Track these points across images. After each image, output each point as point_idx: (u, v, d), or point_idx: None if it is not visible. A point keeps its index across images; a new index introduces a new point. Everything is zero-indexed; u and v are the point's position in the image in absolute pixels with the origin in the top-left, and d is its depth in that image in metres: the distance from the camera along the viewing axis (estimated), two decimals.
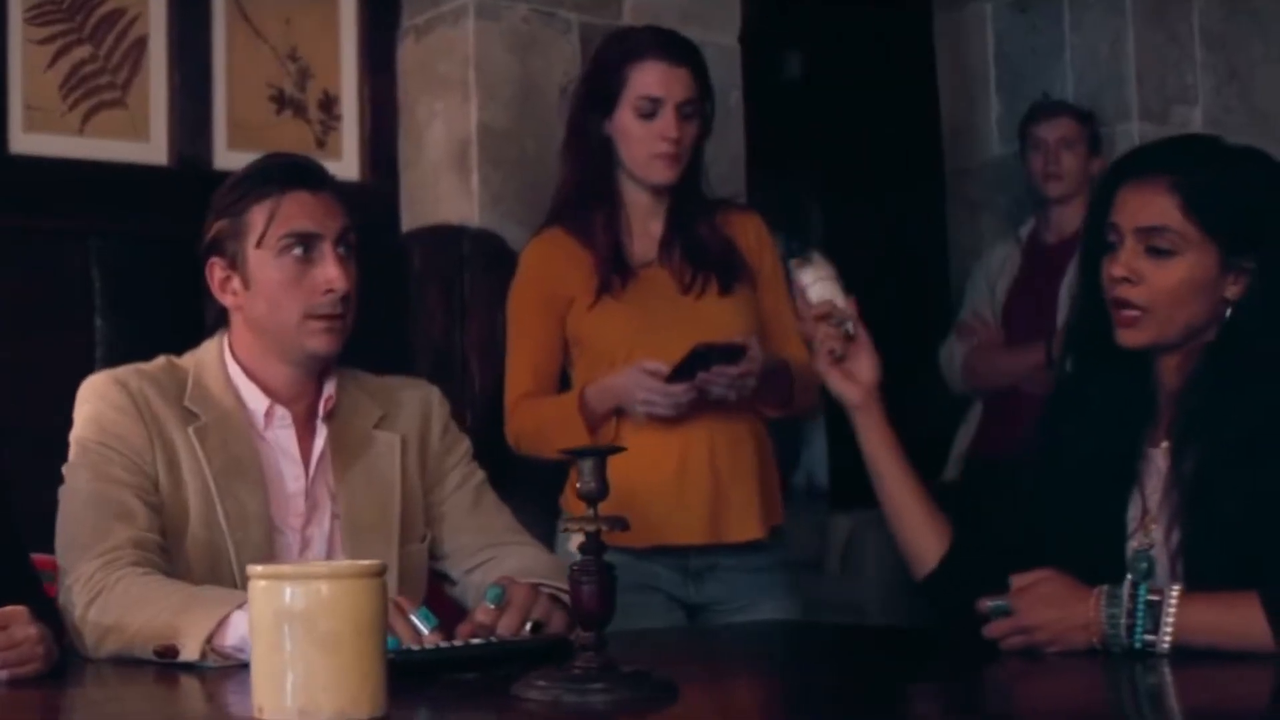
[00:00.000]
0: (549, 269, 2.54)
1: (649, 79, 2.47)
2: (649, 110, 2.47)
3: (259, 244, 1.94)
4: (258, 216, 1.94)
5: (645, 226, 2.56)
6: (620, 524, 1.46)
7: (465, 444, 2.12)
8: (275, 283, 1.94)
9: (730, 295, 2.52)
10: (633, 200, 2.56)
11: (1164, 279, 1.75)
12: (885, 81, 4.95)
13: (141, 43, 2.73)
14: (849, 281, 1.97)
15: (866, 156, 5.45)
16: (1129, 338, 1.78)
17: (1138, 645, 1.65)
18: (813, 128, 5.53)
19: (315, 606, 1.28)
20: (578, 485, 1.47)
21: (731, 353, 2.37)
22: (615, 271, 2.50)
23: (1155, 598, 1.65)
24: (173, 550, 1.89)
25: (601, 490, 1.46)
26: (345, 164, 2.87)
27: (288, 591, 1.28)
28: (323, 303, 1.94)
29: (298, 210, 1.94)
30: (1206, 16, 3.72)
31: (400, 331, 2.82)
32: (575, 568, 1.46)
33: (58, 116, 2.65)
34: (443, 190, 2.87)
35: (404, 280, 2.84)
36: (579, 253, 2.52)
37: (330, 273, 1.93)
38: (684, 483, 2.45)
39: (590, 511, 1.46)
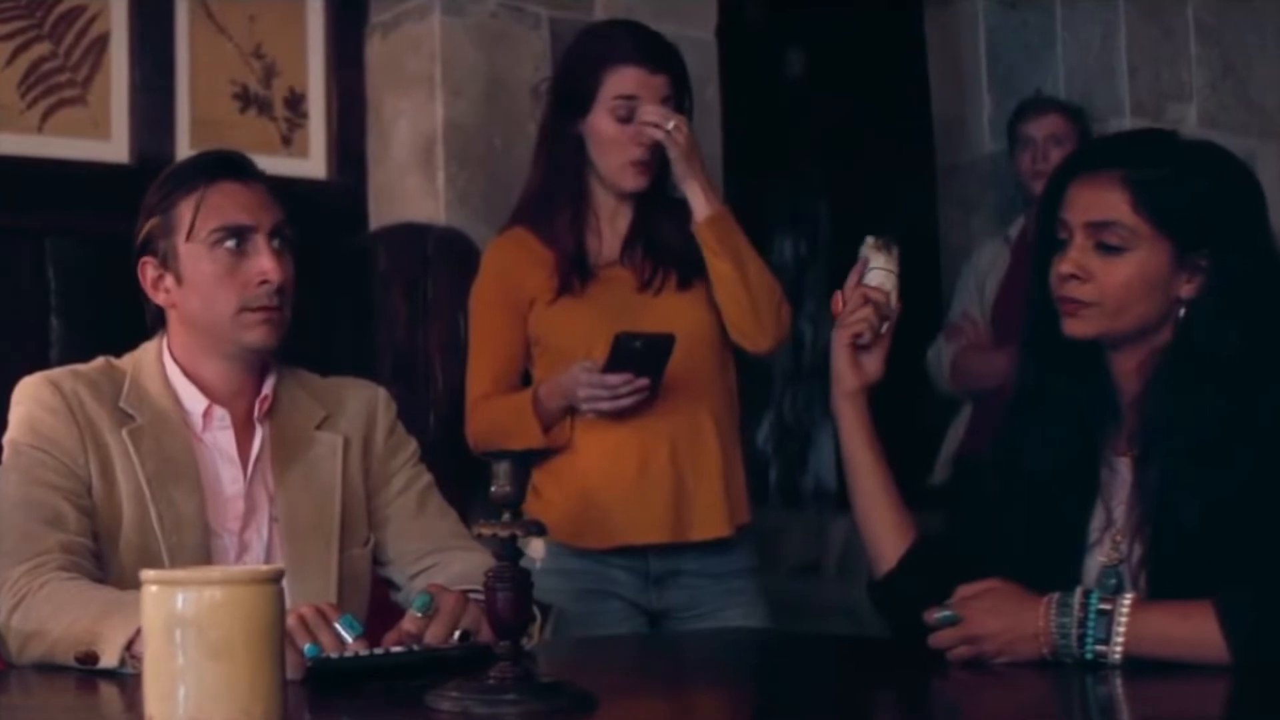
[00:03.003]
0: (511, 268, 2.50)
1: (626, 83, 2.43)
2: (625, 114, 2.43)
3: (189, 237, 1.91)
4: (185, 209, 1.91)
5: (611, 225, 2.53)
6: (537, 529, 1.43)
7: (412, 446, 2.08)
8: (208, 276, 1.91)
9: (689, 289, 2.47)
10: (600, 200, 2.52)
11: (1113, 276, 1.69)
12: (883, 78, 4.91)
13: (102, 40, 2.70)
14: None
15: (867, 154, 5.41)
16: (1074, 327, 1.72)
17: (1089, 656, 1.59)
18: (816, 125, 5.50)
19: (207, 613, 1.23)
20: (492, 489, 1.43)
21: (659, 344, 2.32)
22: (576, 271, 2.46)
23: (1107, 607, 1.60)
24: (105, 555, 1.86)
25: (517, 495, 1.43)
26: (312, 162, 2.85)
27: (179, 597, 1.24)
28: (258, 294, 1.91)
29: (226, 201, 1.91)
30: (1201, 10, 3.66)
31: (365, 331, 2.79)
32: (490, 574, 1.43)
33: (16, 114, 2.63)
34: (409, 188, 2.83)
35: (370, 279, 2.81)
36: (542, 252, 2.49)
37: (264, 264, 1.90)
38: (645, 482, 2.41)
39: (505, 516, 1.43)
